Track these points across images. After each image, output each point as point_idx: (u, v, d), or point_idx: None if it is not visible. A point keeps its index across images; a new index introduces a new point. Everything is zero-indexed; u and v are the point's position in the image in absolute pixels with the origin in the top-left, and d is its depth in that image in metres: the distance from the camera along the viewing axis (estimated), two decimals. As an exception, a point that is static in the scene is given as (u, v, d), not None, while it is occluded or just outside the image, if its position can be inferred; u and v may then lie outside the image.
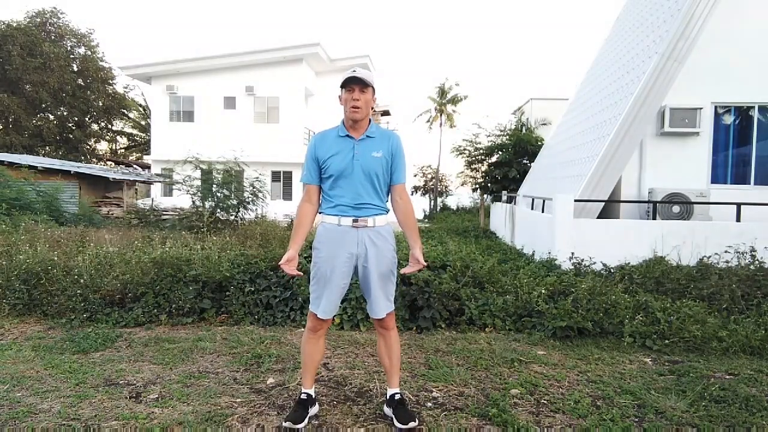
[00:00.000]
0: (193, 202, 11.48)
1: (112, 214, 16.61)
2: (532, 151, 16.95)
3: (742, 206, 6.86)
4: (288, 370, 3.34)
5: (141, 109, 35.34)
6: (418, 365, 3.46)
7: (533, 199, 9.72)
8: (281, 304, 4.57)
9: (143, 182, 21.23)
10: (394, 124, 30.50)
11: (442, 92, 29.98)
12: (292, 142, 20.21)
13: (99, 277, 4.73)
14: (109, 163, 31.44)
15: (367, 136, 2.53)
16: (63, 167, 18.31)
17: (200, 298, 4.57)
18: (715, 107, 8.43)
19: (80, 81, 31.62)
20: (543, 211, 8.48)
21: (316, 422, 2.59)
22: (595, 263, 6.12)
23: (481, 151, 20.69)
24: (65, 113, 31.94)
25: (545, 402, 2.88)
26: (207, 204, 11.32)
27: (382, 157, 2.52)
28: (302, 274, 2.59)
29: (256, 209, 12.06)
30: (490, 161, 20.08)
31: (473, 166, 22.13)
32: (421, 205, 30.34)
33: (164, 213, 13.24)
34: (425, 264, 2.65)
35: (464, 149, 21.78)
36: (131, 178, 20.26)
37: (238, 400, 2.86)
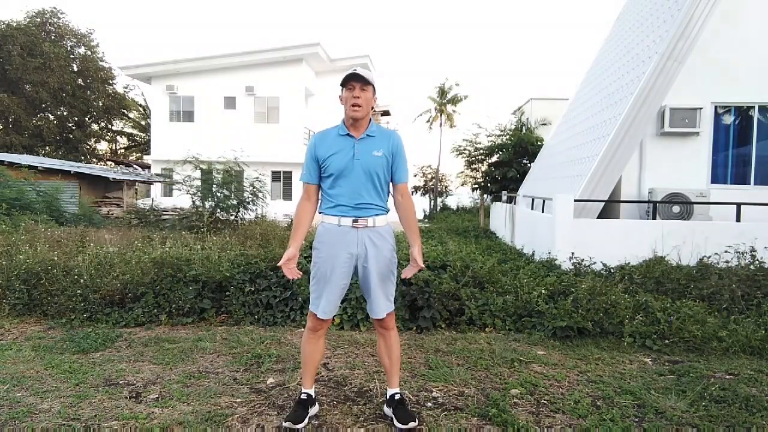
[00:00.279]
0: (193, 202, 11.48)
1: (112, 214, 16.61)
2: (532, 151, 16.97)
3: (742, 206, 6.86)
4: (288, 370, 3.34)
5: (141, 109, 35.34)
6: (418, 365, 3.46)
7: (533, 199, 9.72)
8: (281, 304, 4.57)
9: (143, 182, 21.23)
10: (394, 124, 30.49)
11: (442, 92, 29.98)
12: (292, 142, 20.22)
13: (99, 277, 4.73)
14: (109, 163, 31.46)
15: (368, 135, 2.53)
16: (63, 167, 18.32)
17: (200, 298, 4.57)
18: (715, 107, 8.43)
19: (80, 81, 31.63)
20: (543, 211, 8.48)
21: (316, 422, 2.59)
22: (595, 263, 6.12)
23: (481, 151, 20.71)
24: (65, 113, 31.95)
25: (545, 402, 2.88)
26: (207, 204, 11.33)
27: (383, 156, 2.51)
28: (302, 274, 2.58)
29: (256, 209, 12.07)
30: (490, 161, 20.10)
31: (473, 166, 22.15)
32: (421, 205, 30.34)
33: (164, 213, 13.24)
34: (423, 266, 2.66)
35: (464, 149, 21.81)
36: (131, 178, 20.26)
37: (238, 400, 2.86)
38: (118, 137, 37.66)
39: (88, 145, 34.73)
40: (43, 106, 30.87)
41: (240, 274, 4.74)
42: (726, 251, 5.95)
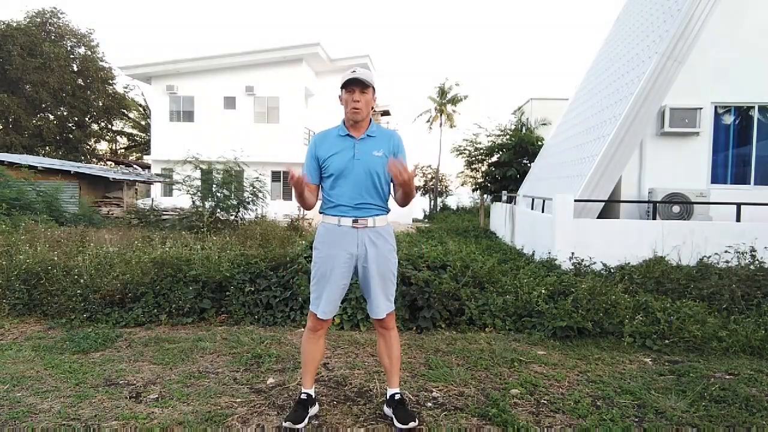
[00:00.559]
0: (193, 202, 11.49)
1: (112, 214, 16.61)
2: (532, 151, 16.96)
3: (742, 206, 6.86)
4: (288, 370, 3.34)
5: (141, 109, 35.34)
6: (418, 365, 3.46)
7: (533, 199, 9.72)
8: (281, 304, 4.57)
9: (143, 182, 21.23)
10: (394, 124, 30.51)
11: (442, 92, 30.00)
12: (292, 142, 20.22)
13: (99, 277, 4.73)
14: (109, 163, 31.47)
15: (368, 136, 2.53)
16: (63, 167, 18.32)
17: (200, 298, 4.57)
18: (715, 107, 8.43)
19: (80, 81, 31.64)
20: (543, 211, 8.48)
21: (316, 422, 2.59)
22: (595, 263, 6.12)
23: (481, 151, 20.70)
24: (65, 113, 31.96)
25: (545, 402, 2.88)
26: (207, 204, 11.34)
27: (383, 156, 2.51)
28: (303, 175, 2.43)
29: (256, 209, 12.08)
30: (490, 161, 20.10)
31: (473, 166, 22.14)
32: (421, 205, 30.37)
33: (164, 213, 13.24)
34: (406, 170, 2.30)
35: (464, 149, 21.80)
36: (131, 178, 20.26)
37: (238, 400, 2.86)
38: (118, 137, 37.68)
39: (88, 145, 34.74)
40: (43, 106, 30.87)
41: (240, 274, 4.74)
42: (726, 251, 5.95)
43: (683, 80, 8.03)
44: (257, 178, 12.31)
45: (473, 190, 23.82)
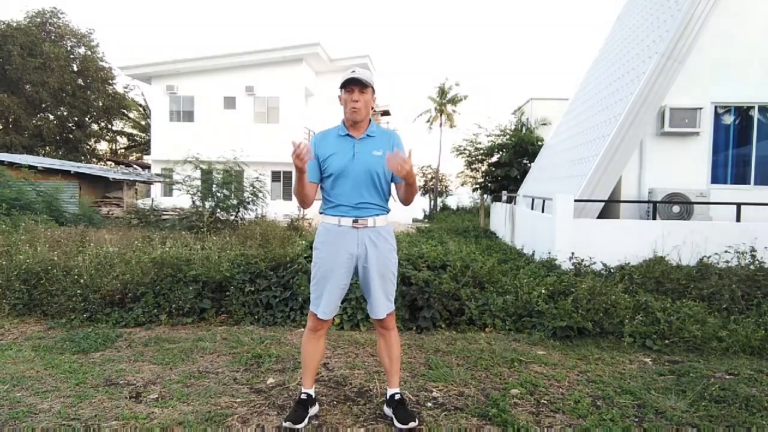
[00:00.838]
0: (193, 202, 11.48)
1: (112, 214, 16.62)
2: (533, 151, 16.97)
3: (742, 206, 6.86)
4: (288, 370, 3.34)
5: (141, 109, 35.35)
6: (418, 365, 3.46)
7: (533, 199, 9.72)
8: (281, 304, 4.57)
9: (143, 182, 21.23)
10: (394, 124, 30.53)
11: (442, 92, 30.01)
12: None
13: (99, 277, 4.73)
14: (109, 163, 31.46)
15: (368, 135, 2.53)
16: (63, 167, 18.32)
17: (200, 298, 4.57)
18: (715, 107, 8.43)
19: (80, 81, 31.64)
20: (543, 211, 8.48)
21: (316, 422, 2.59)
22: (595, 263, 6.12)
23: (482, 151, 20.71)
24: (65, 113, 31.96)
25: (545, 402, 2.88)
26: (207, 204, 11.33)
27: (383, 155, 2.51)
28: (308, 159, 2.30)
29: (256, 209, 12.07)
30: (490, 161, 20.11)
31: (473, 166, 22.17)
32: (421, 205, 30.37)
33: (164, 213, 13.23)
34: (406, 161, 2.26)
35: (464, 149, 21.81)
36: (131, 178, 20.27)
37: (238, 400, 2.86)
38: (118, 137, 37.68)
39: (88, 145, 34.74)
40: (43, 106, 30.88)
41: (240, 274, 4.74)
42: (726, 251, 5.95)
43: (683, 80, 8.03)
44: (257, 178, 12.30)
45: (473, 190, 23.84)
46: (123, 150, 37.84)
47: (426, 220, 23.09)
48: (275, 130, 20.37)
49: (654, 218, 7.43)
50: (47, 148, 31.49)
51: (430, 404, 2.84)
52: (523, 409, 2.78)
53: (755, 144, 8.43)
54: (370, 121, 2.57)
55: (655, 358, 3.69)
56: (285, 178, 20.87)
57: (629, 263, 6.12)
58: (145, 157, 30.59)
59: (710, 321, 4.13)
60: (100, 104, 32.98)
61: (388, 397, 2.65)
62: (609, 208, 8.51)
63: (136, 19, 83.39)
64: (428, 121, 31.08)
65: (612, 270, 5.99)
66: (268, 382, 3.13)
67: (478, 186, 20.82)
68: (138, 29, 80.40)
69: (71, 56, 31.10)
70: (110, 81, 33.25)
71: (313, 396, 2.66)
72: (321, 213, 2.59)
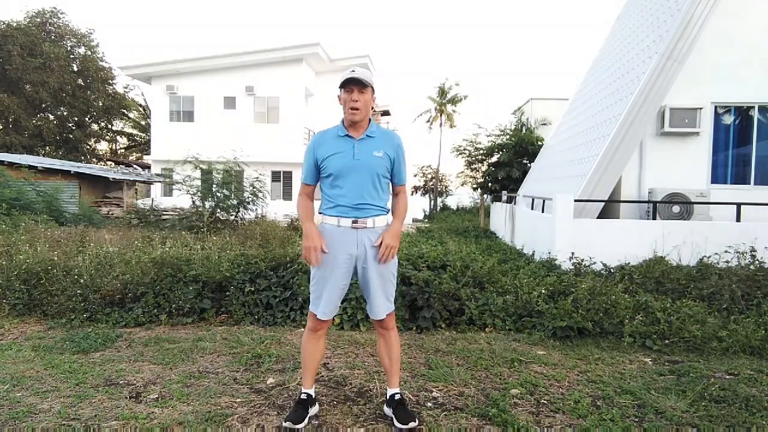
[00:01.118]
0: (193, 202, 11.48)
1: (112, 214, 16.62)
2: (532, 151, 16.98)
3: (742, 206, 6.86)
4: (288, 370, 3.34)
5: (141, 109, 35.34)
6: (418, 365, 3.46)
7: (533, 199, 9.72)
8: (281, 304, 4.57)
9: (143, 182, 21.23)
10: (394, 124, 30.53)
11: (442, 92, 30.01)
12: (292, 142, 20.22)
13: (99, 277, 4.73)
14: (109, 163, 31.46)
15: (368, 136, 2.52)
16: (63, 167, 18.32)
17: (200, 298, 4.57)
18: (715, 107, 8.43)
19: (80, 81, 31.63)
20: (543, 211, 8.48)
21: (316, 422, 2.59)
22: (595, 263, 6.12)
23: (482, 151, 20.71)
24: (65, 113, 31.96)
25: (545, 402, 2.88)
26: (207, 204, 11.33)
27: (384, 156, 2.51)
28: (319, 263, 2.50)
29: (256, 209, 12.07)
30: (490, 161, 20.11)
31: (473, 166, 22.18)
32: (421, 205, 30.37)
33: (164, 213, 13.24)
34: (390, 244, 2.47)
35: (464, 149, 21.82)
36: (131, 178, 20.26)
37: (238, 400, 2.86)
38: (118, 137, 37.67)
39: (88, 145, 34.73)
40: (43, 106, 30.87)
41: (240, 274, 4.74)
42: (726, 251, 5.95)
43: (683, 80, 8.03)
44: (257, 178, 12.30)
45: (474, 190, 23.83)
46: (123, 150, 37.83)
47: (426, 220, 23.09)
48: (275, 130, 20.37)
49: (654, 218, 7.42)
50: (47, 148, 31.48)
51: (430, 404, 2.84)
52: (523, 409, 2.78)
53: (755, 144, 8.43)
54: (369, 120, 2.57)
55: (655, 358, 3.69)
56: (285, 178, 20.87)
57: (629, 263, 6.12)
58: (145, 157, 30.59)
59: (710, 321, 4.13)
60: (100, 104, 32.98)
61: (388, 397, 2.65)
62: (609, 208, 8.51)
63: (136, 19, 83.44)
64: (428, 121, 31.08)
65: (612, 270, 5.99)
66: (268, 382, 3.13)
67: (478, 186, 20.82)
68: (138, 29, 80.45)
69: (71, 56, 31.09)
70: (110, 81, 33.24)
71: (313, 396, 2.66)
72: (320, 213, 2.58)
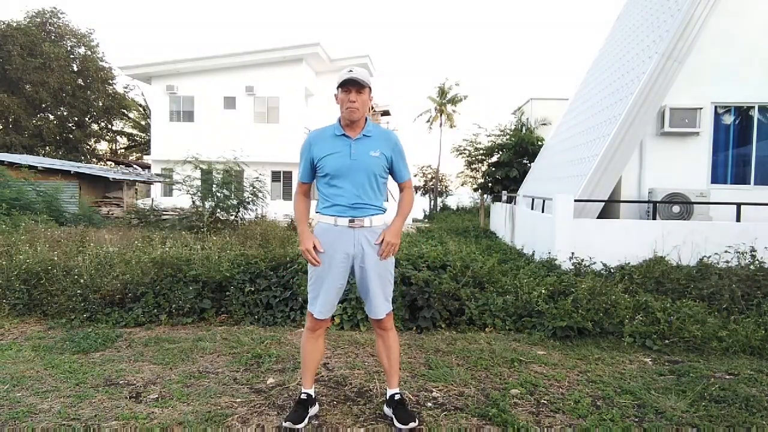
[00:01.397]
0: (193, 202, 11.48)
1: (112, 214, 16.62)
2: (533, 151, 16.97)
3: (742, 206, 6.86)
4: (288, 370, 3.34)
5: (141, 109, 35.34)
6: (418, 365, 3.46)
7: (533, 199, 9.72)
8: (281, 304, 4.57)
9: (143, 182, 21.23)
10: (394, 124, 30.52)
11: (442, 92, 30.02)
12: (292, 142, 20.20)
13: (99, 277, 4.73)
14: (109, 163, 31.46)
15: (364, 135, 2.52)
16: (63, 167, 18.32)
17: (200, 298, 4.57)
18: (715, 107, 8.43)
19: (80, 81, 31.62)
20: (543, 211, 8.48)
21: (316, 422, 2.59)
22: (595, 263, 6.12)
23: (482, 152, 20.71)
24: (65, 113, 31.95)
25: (545, 402, 2.88)
26: (207, 204, 11.33)
27: (381, 155, 2.51)
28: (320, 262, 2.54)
29: (256, 209, 12.07)
30: (490, 161, 20.11)
31: (473, 166, 22.17)
32: (421, 205, 30.38)
33: (164, 213, 13.24)
34: (391, 241, 2.49)
35: (464, 149, 21.81)
36: (131, 178, 20.27)
37: (238, 400, 2.86)
38: (118, 137, 37.66)
39: (88, 145, 34.73)
40: (43, 106, 30.86)
41: (240, 274, 4.74)
42: (726, 251, 5.95)
43: (683, 80, 8.03)
44: (257, 178, 12.30)
45: (474, 190, 23.83)
46: (123, 150, 37.83)
47: (426, 220, 23.09)
48: (275, 130, 20.37)
49: (654, 218, 7.42)
50: (47, 148, 31.47)
51: (430, 404, 2.84)
52: (523, 409, 2.78)
53: (755, 144, 8.43)
54: (366, 120, 2.56)
55: (655, 358, 3.69)
56: (285, 178, 20.87)
57: (629, 263, 6.12)
58: (145, 157, 30.58)
59: (710, 321, 4.13)
60: (100, 104, 32.97)
61: (387, 397, 2.65)
62: (609, 208, 8.51)
63: (136, 19, 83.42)
64: (428, 121, 31.09)
65: (612, 270, 5.99)
66: (268, 382, 3.13)
67: (478, 186, 20.82)
68: (138, 29, 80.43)
69: (71, 56, 31.08)
70: (110, 81, 33.23)
71: (313, 396, 2.66)
72: (317, 212, 2.58)
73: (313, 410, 2.64)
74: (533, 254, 7.69)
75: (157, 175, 19.85)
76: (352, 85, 2.44)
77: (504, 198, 13.79)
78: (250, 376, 3.23)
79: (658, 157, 8.38)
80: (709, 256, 6.02)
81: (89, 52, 32.00)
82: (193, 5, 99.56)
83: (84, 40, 31.78)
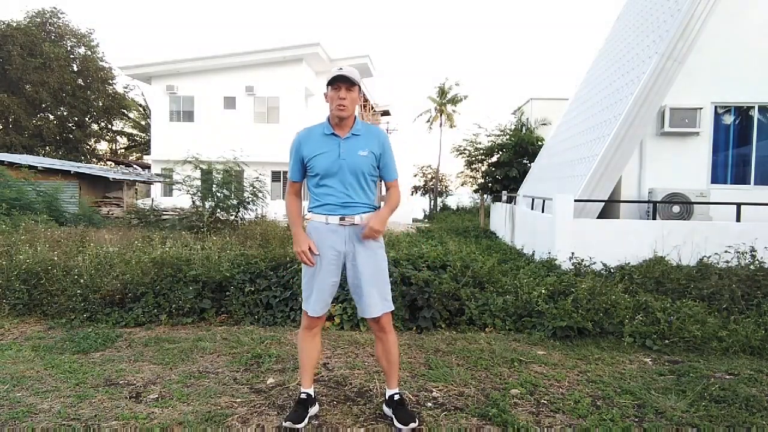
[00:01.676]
0: (193, 202, 11.48)
1: (112, 214, 16.61)
2: (533, 151, 16.96)
3: (742, 206, 6.86)
4: (288, 370, 3.34)
5: (141, 109, 35.34)
6: (418, 365, 3.46)
7: (533, 199, 9.72)
8: (281, 304, 4.57)
9: (143, 182, 21.23)
10: (394, 124, 30.51)
11: (442, 92, 30.00)
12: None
13: (99, 277, 4.73)
14: (109, 163, 31.47)
15: (353, 134, 2.52)
16: (63, 167, 18.32)
17: (200, 298, 4.57)
18: (715, 107, 8.43)
19: (80, 81, 31.62)
20: (543, 211, 8.48)
21: (316, 422, 2.59)
22: (595, 263, 6.12)
23: (481, 152, 20.70)
24: (65, 113, 31.95)
25: (545, 402, 2.88)
26: (207, 204, 11.32)
27: (369, 154, 2.51)
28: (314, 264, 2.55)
29: (256, 209, 12.07)
30: (490, 161, 20.10)
31: (473, 166, 22.15)
32: (421, 205, 30.38)
33: (164, 213, 13.23)
34: (376, 228, 2.46)
35: (464, 149, 21.80)
36: (131, 178, 20.26)
37: (238, 400, 2.86)
38: (118, 137, 37.67)
39: (88, 145, 34.73)
40: (43, 106, 30.86)
41: (240, 274, 4.74)
42: (726, 251, 5.94)
43: (683, 80, 8.03)
44: (257, 178, 12.30)
45: (474, 191, 23.83)
46: (123, 150, 37.83)
47: (426, 220, 23.09)
48: (275, 130, 20.37)
49: (654, 218, 7.42)
50: (47, 148, 31.46)
51: (430, 404, 2.84)
52: (523, 409, 2.78)
53: (755, 144, 8.43)
54: (355, 118, 2.57)
55: (655, 358, 3.69)
56: (285, 178, 20.83)
57: (629, 263, 6.12)
58: (145, 157, 30.59)
59: (710, 321, 4.13)
60: (100, 104, 32.97)
61: (387, 398, 2.65)
62: (609, 208, 8.50)
63: (136, 19, 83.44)
64: (428, 121, 31.06)
65: (612, 270, 5.99)
66: (268, 382, 3.13)
67: (478, 186, 20.81)
68: (138, 29, 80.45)
69: (71, 56, 31.08)
70: (110, 81, 33.23)
71: (313, 396, 2.66)
72: (309, 211, 2.59)
73: (313, 410, 2.64)
74: (533, 254, 7.69)
75: (157, 175, 19.85)
76: (342, 82, 2.44)
77: (504, 198, 13.79)
78: (250, 376, 3.23)
79: (658, 157, 8.38)
80: (709, 256, 6.02)
81: (89, 52, 32.00)
82: (193, 5, 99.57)
83: (84, 40, 31.78)
